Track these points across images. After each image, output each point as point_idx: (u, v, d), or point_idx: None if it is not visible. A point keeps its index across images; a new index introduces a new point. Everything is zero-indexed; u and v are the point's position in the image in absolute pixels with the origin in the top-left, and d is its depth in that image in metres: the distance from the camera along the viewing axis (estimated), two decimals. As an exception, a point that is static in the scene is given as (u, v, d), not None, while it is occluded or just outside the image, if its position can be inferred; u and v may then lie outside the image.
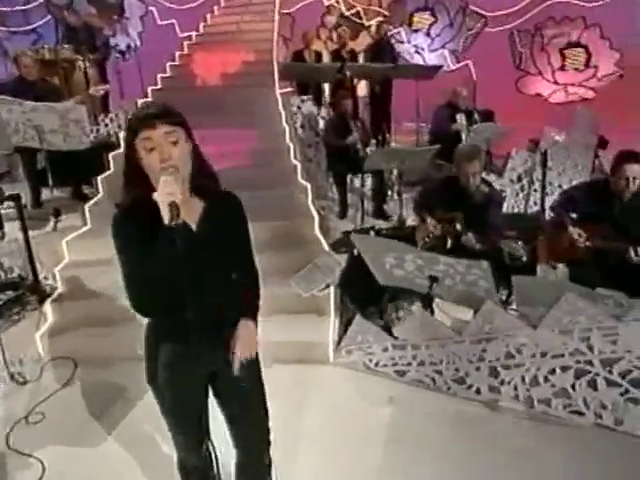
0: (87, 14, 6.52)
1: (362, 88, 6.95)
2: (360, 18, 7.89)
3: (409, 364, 2.99)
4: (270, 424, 1.80)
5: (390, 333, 3.11)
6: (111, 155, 4.77)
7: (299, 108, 5.89)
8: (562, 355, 2.60)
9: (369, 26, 7.95)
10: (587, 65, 7.44)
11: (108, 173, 4.70)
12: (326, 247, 3.94)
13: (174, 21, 8.01)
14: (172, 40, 7.42)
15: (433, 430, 2.67)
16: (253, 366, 1.68)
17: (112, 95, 6.29)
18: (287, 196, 4.45)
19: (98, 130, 5.46)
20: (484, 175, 3.65)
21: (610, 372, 2.53)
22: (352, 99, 5.35)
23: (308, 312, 3.42)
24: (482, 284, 2.72)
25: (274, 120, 5.37)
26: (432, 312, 3.36)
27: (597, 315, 2.49)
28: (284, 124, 5.39)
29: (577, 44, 7.43)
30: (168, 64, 6.46)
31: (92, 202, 4.42)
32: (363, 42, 7.65)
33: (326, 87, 6.71)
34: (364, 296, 3.65)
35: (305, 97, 5.89)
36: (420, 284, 2.94)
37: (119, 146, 4.88)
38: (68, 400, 3.02)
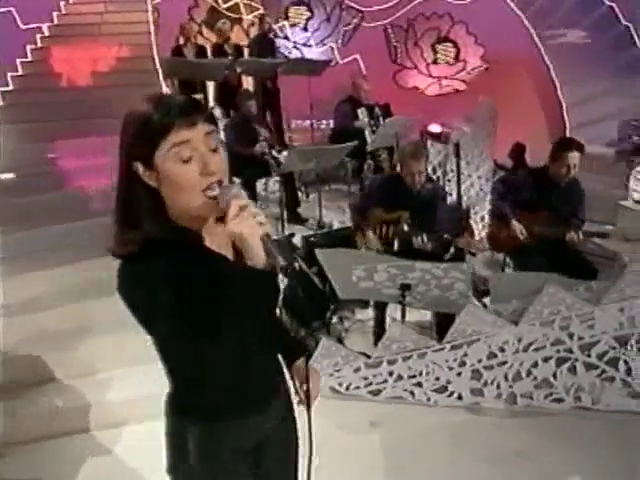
0: None
1: (249, 85, 6.55)
2: (239, 12, 7.45)
3: (385, 381, 2.77)
4: None
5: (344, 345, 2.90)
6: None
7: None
8: (544, 347, 2.58)
9: (252, 20, 7.54)
10: (457, 59, 7.92)
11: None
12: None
13: (12, 9, 6.75)
14: (12, 32, 6.23)
15: (422, 447, 2.51)
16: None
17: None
18: None
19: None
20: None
21: (588, 356, 2.57)
22: (256, 99, 4.94)
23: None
24: (458, 287, 2.59)
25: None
26: (384, 319, 3.23)
27: (575, 303, 2.50)
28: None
29: (446, 39, 7.86)
30: (19, 61, 5.40)
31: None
32: (245, 37, 7.26)
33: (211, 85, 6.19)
34: (307, 311, 3.35)
35: (198, 97, 5.34)
36: (390, 294, 2.72)
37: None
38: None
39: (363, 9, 7.70)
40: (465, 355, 2.64)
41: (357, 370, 2.77)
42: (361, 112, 5.46)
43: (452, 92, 8.04)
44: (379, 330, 3.16)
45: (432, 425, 2.63)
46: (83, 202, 3.76)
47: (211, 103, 6.07)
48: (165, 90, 5.02)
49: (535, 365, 2.61)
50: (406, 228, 3.23)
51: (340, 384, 2.80)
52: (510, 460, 2.36)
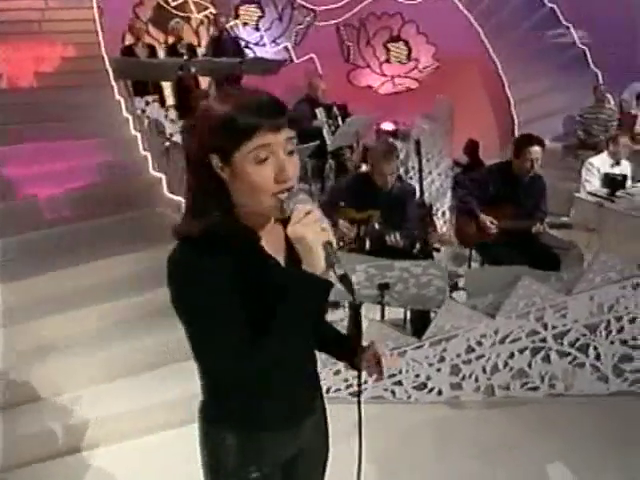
0: None
1: (205, 86, 6.40)
2: (188, 11, 7.24)
3: (365, 382, 2.75)
4: None
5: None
6: None
7: (143, 112, 5.14)
8: (520, 338, 2.64)
9: (201, 19, 7.36)
10: (409, 58, 8.04)
11: None
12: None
13: None
14: None
15: (408, 445, 2.51)
16: None
17: None
18: (156, 216, 3.80)
19: None
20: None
21: (561, 344, 2.65)
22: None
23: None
24: (436, 283, 2.61)
25: (120, 127, 4.57)
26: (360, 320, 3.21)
27: (549, 294, 2.57)
28: (132, 131, 4.63)
29: (398, 38, 7.96)
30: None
31: None
32: (194, 36, 7.07)
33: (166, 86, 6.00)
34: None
35: (150, 98, 5.15)
36: (368, 294, 2.70)
37: None
38: None
39: (315, 8, 7.68)
40: (444, 351, 2.67)
41: (337, 373, 2.75)
42: (319, 112, 5.44)
43: (405, 90, 8.17)
44: (355, 330, 3.15)
45: (416, 422, 2.64)
46: (35, 212, 3.54)
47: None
48: (116, 92, 4.82)
49: (511, 356, 2.67)
50: (377, 227, 3.23)
51: (321, 387, 2.76)
52: (495, 451, 2.40)
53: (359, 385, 1.10)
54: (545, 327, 2.61)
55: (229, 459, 1.12)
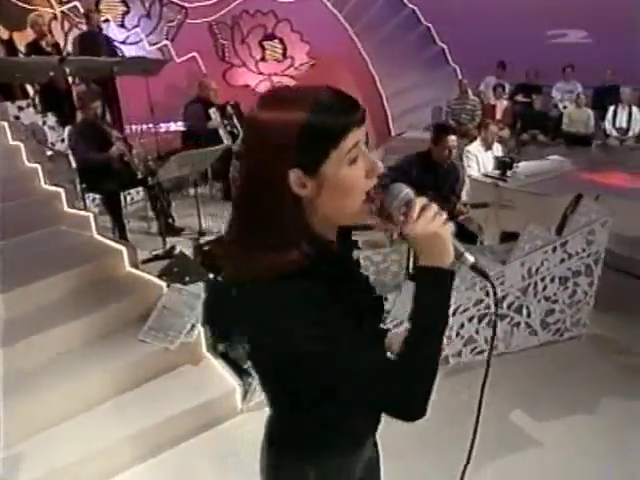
0: None
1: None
2: (43, 4, 6.47)
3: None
4: None
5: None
6: None
7: (17, 118, 4.55)
8: (468, 308, 2.91)
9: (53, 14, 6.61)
10: (285, 56, 8.14)
11: None
12: (161, 283, 3.25)
13: None
14: None
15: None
16: None
17: None
18: (62, 234, 3.43)
19: None
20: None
21: (502, 308, 2.98)
22: (103, 100, 4.42)
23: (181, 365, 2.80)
24: (393, 268, 2.76)
25: (-5, 136, 4.01)
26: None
27: (489, 265, 2.87)
28: (10, 140, 4.09)
29: (273, 36, 8.02)
30: None
31: None
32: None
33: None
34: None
35: (24, 103, 4.56)
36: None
37: None
38: None
39: (186, 5, 7.40)
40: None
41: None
42: (213, 112, 5.34)
43: (283, 88, 8.25)
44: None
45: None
46: None
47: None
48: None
49: (462, 326, 2.94)
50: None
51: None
52: (461, 412, 2.61)
53: (492, 343, 1.10)
54: (487, 295, 2.92)
55: None
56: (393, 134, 8.16)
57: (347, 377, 0.89)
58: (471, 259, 0.93)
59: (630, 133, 6.08)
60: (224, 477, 2.33)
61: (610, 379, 2.90)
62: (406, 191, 0.91)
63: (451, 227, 0.90)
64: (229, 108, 5.49)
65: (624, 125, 6.07)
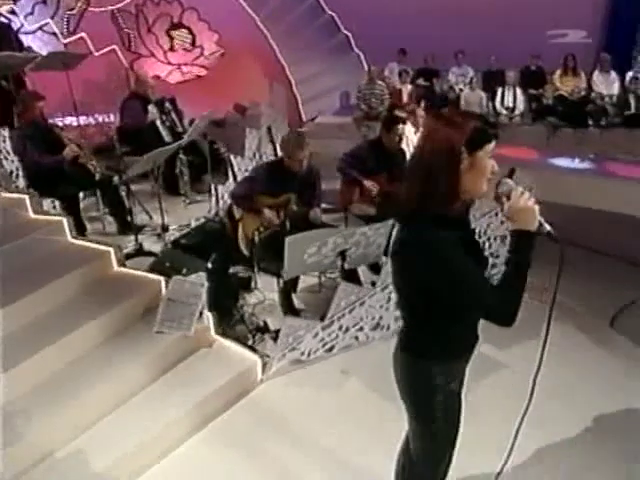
0: None
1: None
2: None
3: (336, 337, 3.24)
4: None
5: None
6: None
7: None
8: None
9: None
10: (194, 45, 8.09)
11: None
12: (153, 277, 3.40)
13: None
14: None
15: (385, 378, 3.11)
16: None
17: None
18: (39, 242, 3.42)
19: None
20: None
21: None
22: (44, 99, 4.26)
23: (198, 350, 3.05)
24: (379, 241, 3.21)
25: None
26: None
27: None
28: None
29: (181, 25, 7.92)
30: None
31: None
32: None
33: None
34: (226, 305, 3.49)
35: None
36: (329, 262, 3.14)
37: None
38: None
39: (87, -7, 7.06)
40: (390, 292, 3.33)
41: (316, 335, 3.15)
42: (151, 108, 5.33)
43: (194, 78, 8.24)
44: (287, 301, 3.55)
45: (383, 356, 3.22)
46: None
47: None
48: None
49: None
50: (295, 208, 3.63)
51: (302, 353, 3.13)
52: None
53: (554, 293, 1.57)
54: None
55: (437, 378, 1.62)
56: (305, 119, 8.56)
57: (471, 295, 1.44)
58: (547, 227, 1.45)
59: (516, 111, 7.15)
60: (266, 435, 2.66)
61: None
62: (510, 182, 1.46)
63: (537, 206, 1.44)
64: (167, 104, 5.50)
65: (511, 104, 7.12)
